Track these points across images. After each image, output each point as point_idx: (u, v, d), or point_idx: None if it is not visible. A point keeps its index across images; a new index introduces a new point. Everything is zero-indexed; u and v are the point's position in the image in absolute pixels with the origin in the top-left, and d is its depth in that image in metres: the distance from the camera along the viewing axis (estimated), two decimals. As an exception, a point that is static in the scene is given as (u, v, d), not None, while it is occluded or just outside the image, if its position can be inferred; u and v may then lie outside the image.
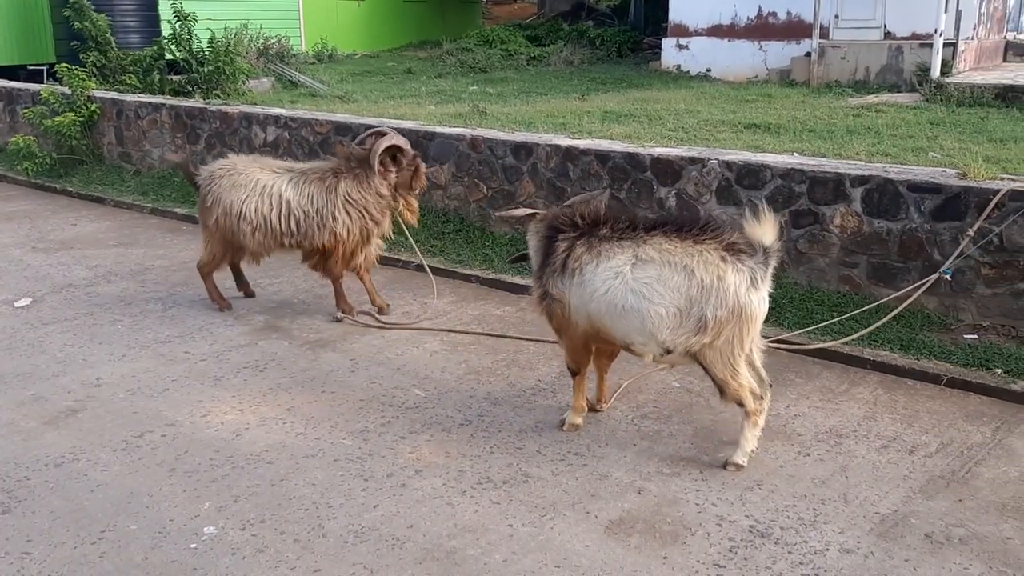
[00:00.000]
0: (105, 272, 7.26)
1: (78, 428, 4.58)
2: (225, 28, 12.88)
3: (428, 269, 6.74)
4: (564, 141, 7.39)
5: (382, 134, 5.87)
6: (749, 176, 6.32)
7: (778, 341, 5.47)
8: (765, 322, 5.62)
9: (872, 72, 13.33)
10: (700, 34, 15.56)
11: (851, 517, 3.77)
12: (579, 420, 4.54)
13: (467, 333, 5.89)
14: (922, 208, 5.68)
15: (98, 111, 10.71)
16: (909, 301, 5.43)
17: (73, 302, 6.53)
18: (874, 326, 5.34)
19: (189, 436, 4.49)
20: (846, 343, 5.37)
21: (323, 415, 4.72)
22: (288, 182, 5.94)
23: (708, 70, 15.34)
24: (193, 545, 3.60)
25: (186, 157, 6.25)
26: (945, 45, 12.66)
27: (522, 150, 7.48)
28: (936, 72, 12.39)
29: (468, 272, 7.00)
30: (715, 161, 6.47)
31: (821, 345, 5.37)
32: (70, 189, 10.22)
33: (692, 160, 6.57)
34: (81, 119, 10.57)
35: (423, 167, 6.03)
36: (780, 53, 14.67)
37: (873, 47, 13.49)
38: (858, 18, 14.09)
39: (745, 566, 3.45)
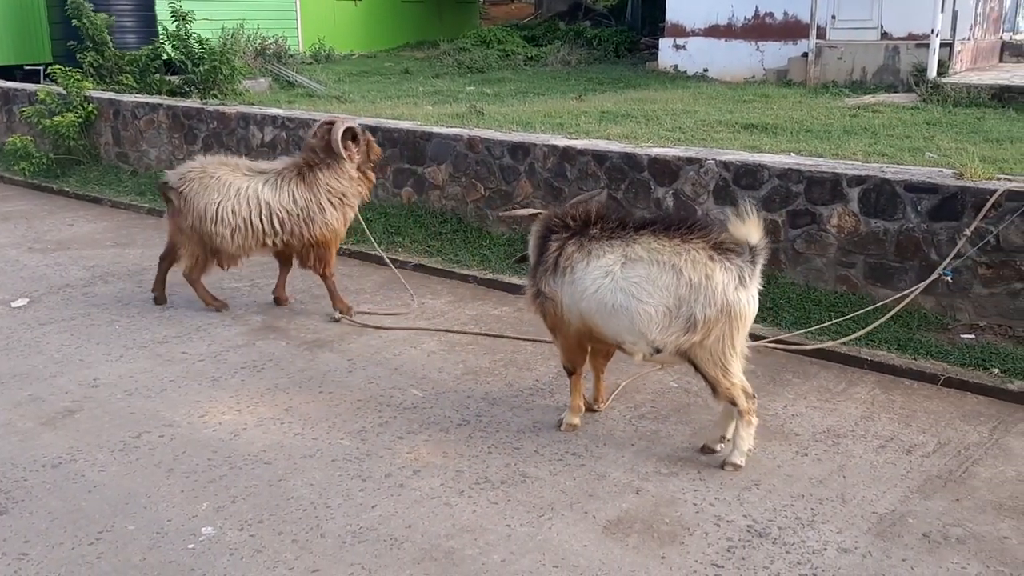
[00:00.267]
0: (102, 272, 7.25)
1: (75, 429, 4.57)
2: (223, 28, 12.87)
3: (389, 262, 6.85)
4: (561, 141, 7.39)
5: (331, 122, 6.05)
6: (746, 176, 6.33)
7: (776, 341, 5.48)
8: (762, 322, 5.71)
9: (869, 72, 13.35)
10: (697, 34, 15.58)
11: (849, 517, 3.78)
12: (576, 420, 4.54)
13: (465, 333, 5.89)
14: (919, 208, 5.69)
15: (95, 111, 10.70)
16: (907, 301, 5.43)
17: (70, 302, 6.52)
18: (871, 326, 5.34)
19: (187, 436, 4.49)
20: (844, 343, 5.37)
21: (321, 415, 4.72)
22: (263, 183, 5.97)
23: (705, 70, 15.36)
24: (191, 545, 3.60)
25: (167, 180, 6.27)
26: (941, 45, 12.69)
27: (519, 150, 7.48)
28: (932, 72, 12.41)
29: (465, 272, 7.00)
30: (712, 161, 6.47)
31: (819, 345, 5.37)
32: (67, 189, 10.21)
33: (689, 160, 6.58)
34: (79, 119, 10.55)
35: (372, 138, 6.25)
36: (777, 53, 14.69)
37: (870, 47, 13.51)
38: (855, 18, 14.11)
39: (743, 566, 3.45)
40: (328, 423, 4.63)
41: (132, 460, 4.26)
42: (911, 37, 13.52)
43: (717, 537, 3.64)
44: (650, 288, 3.92)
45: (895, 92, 12.53)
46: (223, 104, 10.14)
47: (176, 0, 11.56)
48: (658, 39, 16.57)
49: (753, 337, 5.30)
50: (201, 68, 11.85)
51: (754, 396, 4.10)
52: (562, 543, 3.60)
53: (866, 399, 4.90)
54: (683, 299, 3.88)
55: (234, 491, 3.98)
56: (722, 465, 4.15)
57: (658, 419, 4.67)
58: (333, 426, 4.60)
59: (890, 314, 5.39)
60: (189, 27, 11.74)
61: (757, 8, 15.01)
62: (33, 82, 13.53)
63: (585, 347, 4.43)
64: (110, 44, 11.84)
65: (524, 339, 5.73)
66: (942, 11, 12.56)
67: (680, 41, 15.74)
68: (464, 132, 7.93)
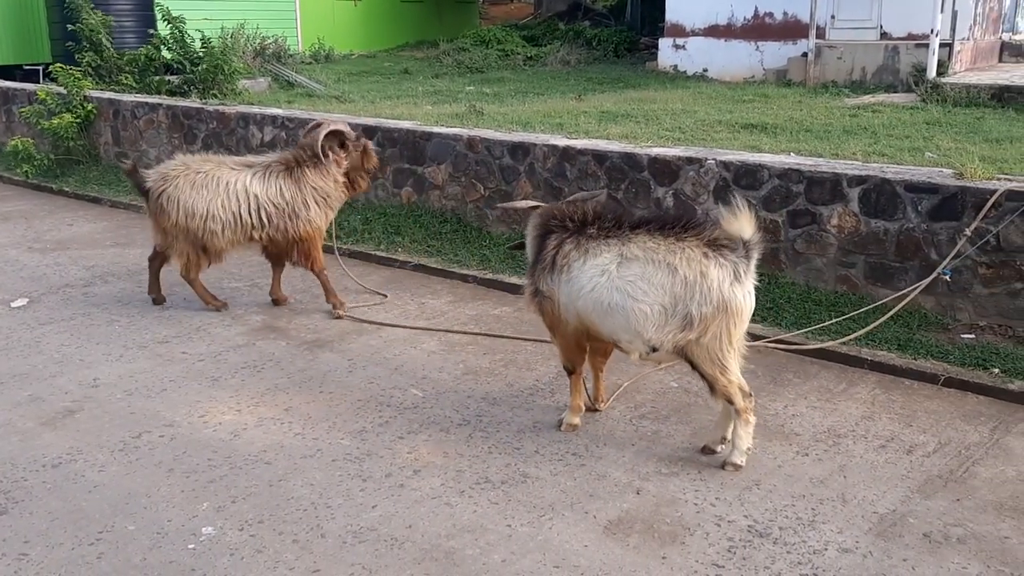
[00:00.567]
0: (102, 272, 7.25)
1: (75, 429, 4.57)
2: (222, 28, 12.87)
3: (342, 263, 6.90)
4: (561, 141, 7.39)
5: (319, 124, 6.08)
6: (747, 176, 6.33)
7: (776, 341, 5.48)
8: (763, 322, 5.71)
9: (868, 72, 13.35)
10: (697, 34, 15.57)
11: (849, 517, 3.78)
12: (577, 420, 4.54)
13: (465, 333, 5.89)
14: (919, 208, 5.69)
15: (94, 111, 10.69)
16: (907, 301, 5.43)
17: (70, 302, 6.51)
18: (872, 326, 5.34)
19: (187, 436, 4.48)
20: (844, 343, 5.37)
21: (321, 415, 4.72)
22: (252, 176, 5.98)
23: (705, 70, 15.35)
24: (191, 546, 3.59)
25: (133, 164, 6.23)
26: (941, 45, 12.69)
27: (519, 150, 7.48)
28: (932, 72, 12.41)
29: (465, 272, 6.99)
30: (712, 161, 6.47)
31: (819, 345, 5.37)
32: (66, 189, 10.20)
33: (690, 160, 6.58)
34: (78, 120, 10.55)
35: (370, 146, 6.22)
36: (777, 53, 14.69)
37: (869, 47, 13.52)
38: (854, 18, 14.11)
39: (744, 566, 3.45)
40: (328, 423, 4.63)
41: (132, 460, 4.26)
42: (911, 37, 13.52)
43: (718, 537, 3.64)
44: (645, 287, 3.92)
45: (895, 92, 12.53)
46: (223, 104, 10.13)
47: (166, 4, 11.57)
48: (658, 39, 16.57)
49: (753, 337, 5.31)
50: (200, 68, 11.86)
51: (751, 395, 4.09)
52: (563, 543, 3.59)
53: (866, 399, 4.90)
54: (679, 297, 3.89)
55: (234, 491, 3.98)
56: (722, 465, 4.15)
57: (658, 419, 4.67)
58: (333, 426, 4.59)
59: (890, 314, 5.39)
60: (183, 28, 11.76)
61: (757, 8, 15.01)
62: (32, 82, 13.52)
63: (584, 346, 4.43)
64: (108, 44, 11.84)
65: (524, 339, 5.73)
66: (942, 11, 12.56)
67: (680, 41, 15.74)
68: (464, 132, 7.93)
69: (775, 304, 5.97)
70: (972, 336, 5.46)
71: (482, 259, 7.22)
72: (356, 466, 4.19)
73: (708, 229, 3.96)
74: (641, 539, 3.63)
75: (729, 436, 4.26)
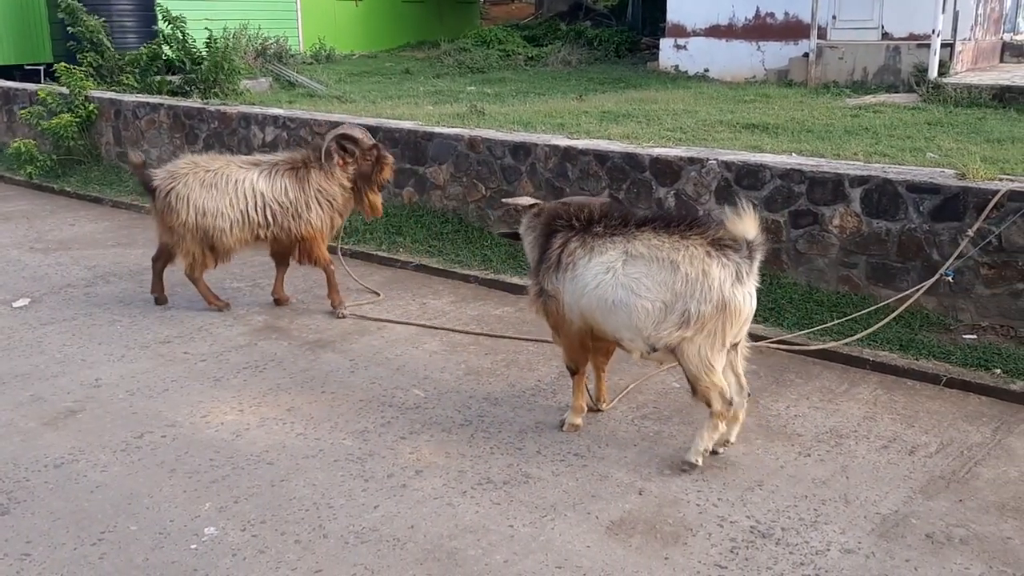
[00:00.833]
0: (104, 272, 7.25)
1: (77, 429, 4.57)
2: (224, 28, 12.88)
3: (344, 263, 6.90)
4: (562, 141, 7.39)
5: (336, 125, 6.12)
6: (748, 176, 6.33)
7: (778, 342, 5.47)
8: (765, 323, 5.71)
9: (870, 72, 13.35)
10: (698, 34, 15.57)
11: (852, 517, 3.78)
12: (579, 420, 4.54)
13: (466, 333, 5.89)
14: (921, 208, 5.69)
15: (96, 111, 10.69)
16: (909, 302, 5.43)
17: (72, 302, 6.51)
18: (874, 327, 5.34)
19: (189, 437, 4.48)
20: (846, 344, 5.37)
21: (323, 415, 4.72)
22: (259, 174, 5.99)
23: (706, 70, 15.35)
24: (194, 546, 3.59)
25: (143, 159, 6.23)
26: (942, 46, 12.68)
27: (520, 150, 7.48)
28: (933, 73, 12.41)
29: (467, 272, 6.99)
30: (714, 161, 6.47)
31: (821, 346, 5.37)
32: (68, 189, 10.20)
33: (691, 160, 6.58)
34: (78, 120, 10.55)
35: (389, 158, 6.09)
36: (778, 53, 14.69)
37: (871, 48, 13.51)
38: (856, 19, 14.11)
39: (746, 566, 3.45)
40: (330, 423, 4.63)
41: (134, 460, 4.26)
42: (912, 37, 13.52)
43: (720, 538, 3.63)
44: (648, 283, 3.92)
45: (896, 92, 12.53)
46: (224, 104, 10.13)
47: (166, 5, 11.58)
48: (659, 39, 16.56)
49: (756, 337, 5.31)
50: (201, 67, 11.86)
51: (730, 403, 4.05)
52: (565, 544, 3.59)
53: (868, 400, 4.90)
54: (679, 294, 3.88)
55: (237, 491, 3.98)
56: (681, 464, 4.11)
57: (661, 420, 4.67)
58: (335, 426, 4.59)
59: (892, 315, 5.39)
60: (183, 28, 11.76)
61: (758, 8, 15.01)
62: (33, 82, 13.53)
63: (587, 346, 4.42)
64: (108, 45, 11.84)
65: (526, 339, 5.73)
66: (943, 11, 12.55)
67: (681, 41, 15.74)
68: (465, 132, 7.93)
69: (777, 305, 5.97)
70: (974, 337, 5.46)
71: (484, 259, 7.21)
72: (358, 466, 4.19)
73: (713, 229, 3.96)
74: (643, 540, 3.62)
75: (732, 439, 4.26)
